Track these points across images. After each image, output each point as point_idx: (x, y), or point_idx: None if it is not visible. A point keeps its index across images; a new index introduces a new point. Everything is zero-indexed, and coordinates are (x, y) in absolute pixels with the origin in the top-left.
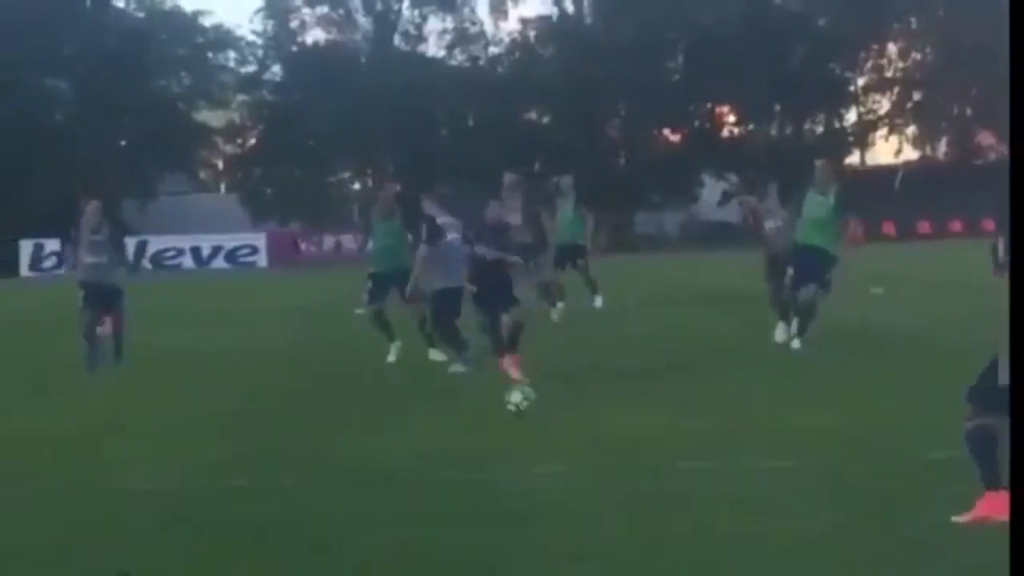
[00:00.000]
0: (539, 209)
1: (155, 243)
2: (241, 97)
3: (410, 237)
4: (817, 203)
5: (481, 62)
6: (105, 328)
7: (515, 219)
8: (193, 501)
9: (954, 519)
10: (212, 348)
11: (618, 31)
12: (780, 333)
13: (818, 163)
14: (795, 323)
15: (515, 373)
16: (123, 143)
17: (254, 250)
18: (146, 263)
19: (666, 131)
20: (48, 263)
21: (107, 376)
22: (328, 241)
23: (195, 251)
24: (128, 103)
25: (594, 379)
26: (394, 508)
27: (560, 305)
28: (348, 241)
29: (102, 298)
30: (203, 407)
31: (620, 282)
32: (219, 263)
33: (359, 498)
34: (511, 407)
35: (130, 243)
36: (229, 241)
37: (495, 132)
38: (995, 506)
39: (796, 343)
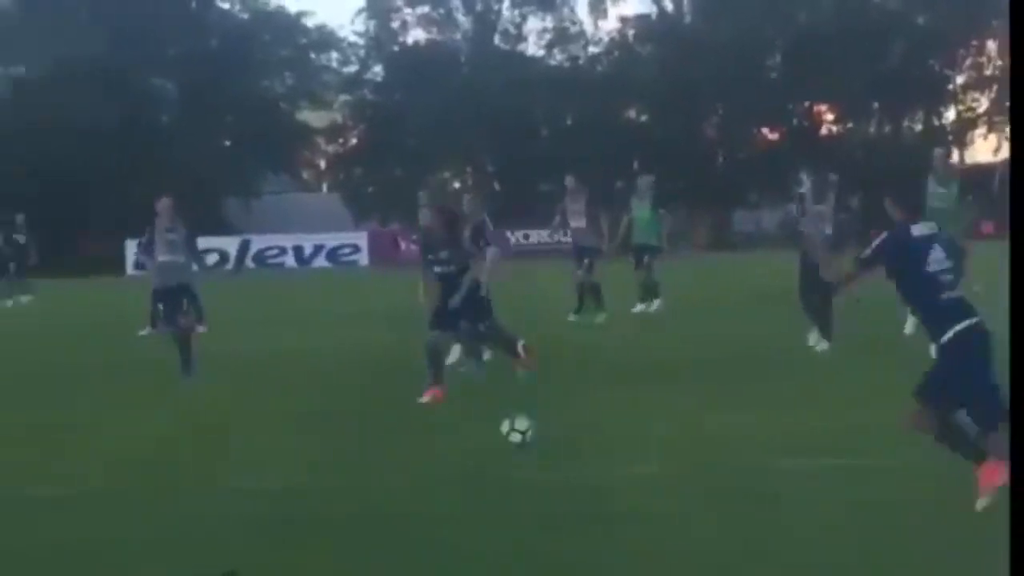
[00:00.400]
0: (599, 211)
1: (257, 242)
2: (343, 97)
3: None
4: (938, 195)
5: (580, 61)
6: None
7: (579, 221)
8: (297, 501)
9: (979, 506)
10: (314, 347)
11: (717, 30)
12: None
13: (937, 152)
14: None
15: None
16: (227, 143)
17: (356, 249)
18: (249, 262)
19: (764, 129)
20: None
21: (211, 375)
22: None
23: (297, 250)
24: (232, 103)
25: (687, 378)
26: (492, 509)
27: (657, 302)
28: None
29: (176, 300)
30: (306, 406)
31: (716, 280)
32: (321, 262)
33: (459, 499)
34: (516, 436)
35: (233, 243)
36: (331, 240)
37: (593, 131)
38: (994, 474)
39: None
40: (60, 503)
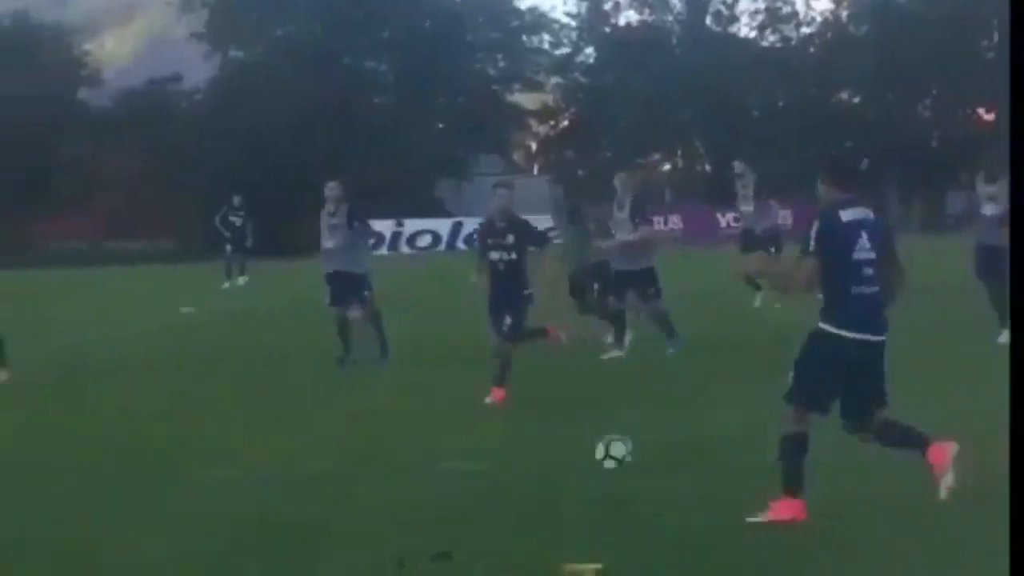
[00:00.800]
0: (768, 195)
1: (469, 225)
2: (554, 79)
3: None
4: None
5: (792, 42)
6: (356, 317)
7: (748, 205)
8: (504, 480)
9: (749, 519)
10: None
11: (931, 8)
12: None
13: None
14: None
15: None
16: (440, 125)
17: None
18: (460, 244)
19: (980, 110)
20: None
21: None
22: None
23: None
24: (445, 86)
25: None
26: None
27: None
28: (658, 223)
29: (347, 289)
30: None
31: (927, 263)
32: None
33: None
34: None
35: (445, 225)
36: (542, 223)
37: (805, 113)
38: (942, 452)
39: None
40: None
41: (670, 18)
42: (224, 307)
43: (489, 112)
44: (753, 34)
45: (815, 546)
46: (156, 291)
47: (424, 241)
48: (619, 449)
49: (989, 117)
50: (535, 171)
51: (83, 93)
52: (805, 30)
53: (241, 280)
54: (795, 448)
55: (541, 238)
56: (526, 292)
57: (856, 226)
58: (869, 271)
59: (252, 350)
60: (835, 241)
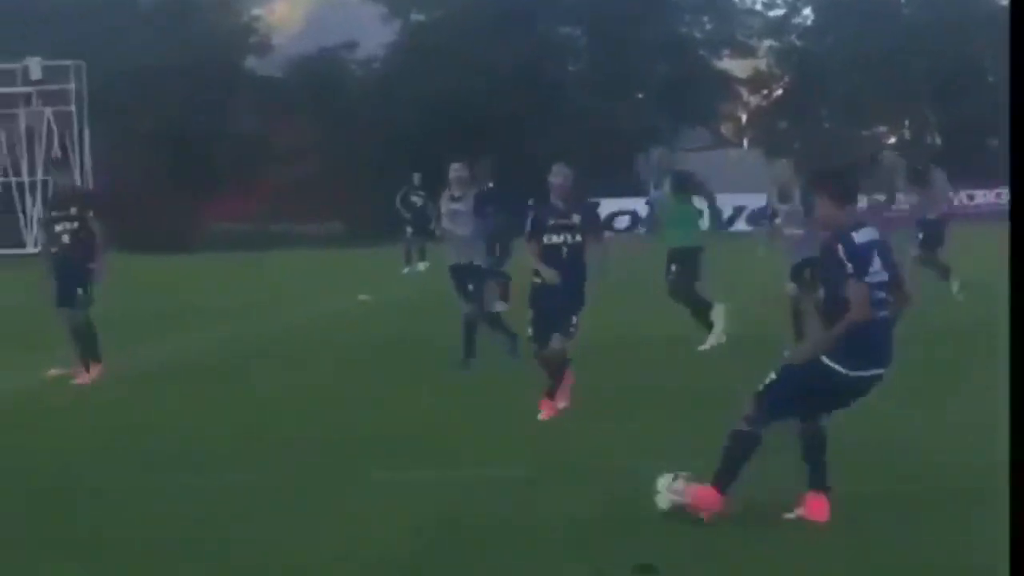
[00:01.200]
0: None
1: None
2: (768, 43)
3: None
4: None
5: None
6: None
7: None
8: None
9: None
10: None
11: None
12: None
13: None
14: None
15: None
16: (639, 95)
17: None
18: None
19: None
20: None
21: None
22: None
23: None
24: (646, 51)
25: None
26: None
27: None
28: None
29: (470, 281)
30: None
31: None
32: (741, 226)
33: None
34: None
35: (644, 204)
36: (753, 201)
37: None
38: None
39: None
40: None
41: None
42: (403, 295)
43: (695, 80)
44: None
45: (817, 546)
46: (328, 277)
47: (622, 223)
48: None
49: None
50: (745, 144)
51: (251, 62)
52: None
53: (422, 266)
54: (744, 448)
55: (600, 228)
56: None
57: (869, 248)
58: (881, 295)
59: (433, 340)
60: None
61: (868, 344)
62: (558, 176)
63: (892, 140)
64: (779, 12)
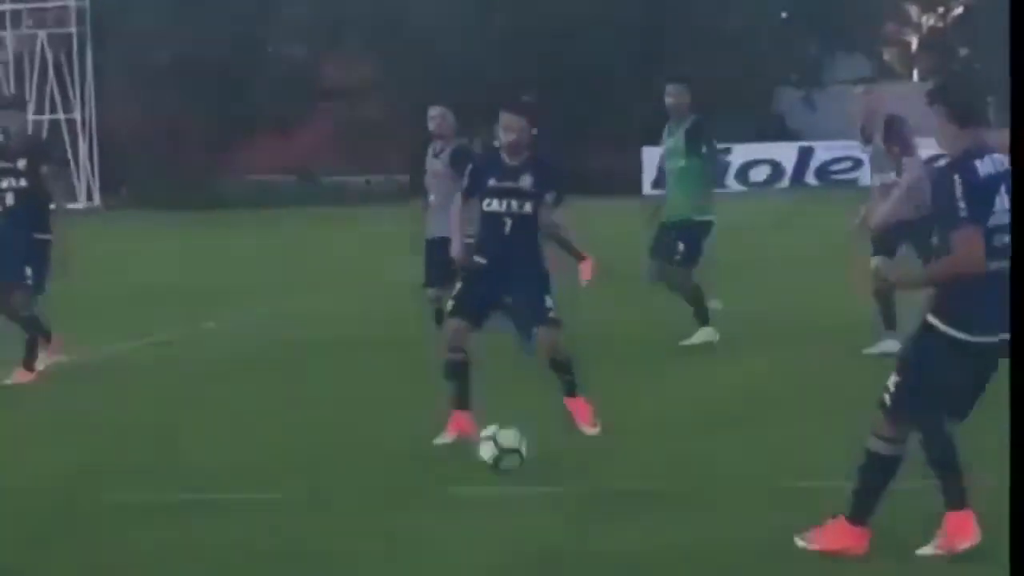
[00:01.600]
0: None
1: (821, 152)
2: None
3: None
4: None
5: None
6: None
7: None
8: None
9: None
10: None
11: None
12: None
13: None
14: None
15: None
16: (783, 15)
17: None
18: (810, 178)
19: None
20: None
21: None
22: None
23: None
24: None
25: None
26: None
27: None
28: None
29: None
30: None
31: None
32: None
33: None
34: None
35: (788, 151)
36: (925, 148)
37: None
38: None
39: None
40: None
41: None
42: None
43: None
44: None
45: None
46: (389, 243)
47: (760, 174)
48: (509, 438)
49: None
50: (915, 76)
51: None
52: None
53: None
54: (884, 473)
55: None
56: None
57: (994, 182)
58: (1006, 239)
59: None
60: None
61: (986, 301)
62: (506, 126)
63: None
64: None
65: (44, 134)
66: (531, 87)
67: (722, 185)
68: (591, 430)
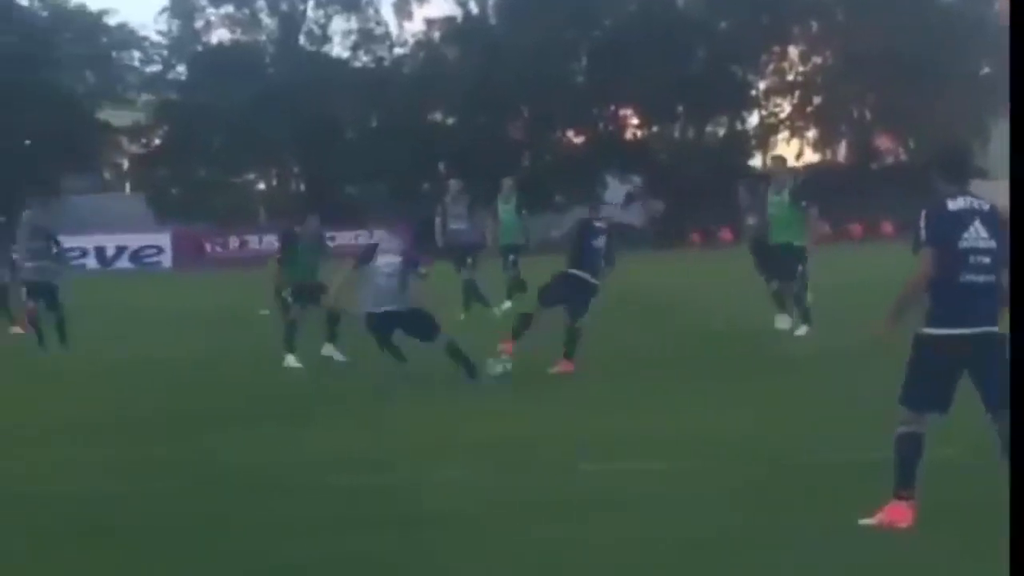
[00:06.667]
0: (484, 213)
1: (62, 244)
2: (146, 97)
3: None
4: (774, 203)
5: (386, 63)
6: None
7: (460, 223)
8: (89, 505)
9: (861, 522)
10: (112, 349)
11: (522, 32)
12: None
13: (773, 158)
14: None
15: None
16: (27, 142)
17: (159, 250)
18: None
19: (569, 133)
20: None
21: (11, 378)
22: (233, 242)
23: (99, 251)
24: (32, 102)
25: (493, 385)
26: (292, 512)
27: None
28: (253, 242)
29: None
30: (101, 410)
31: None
32: (123, 263)
33: (255, 504)
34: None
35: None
36: (134, 241)
37: (399, 133)
38: (901, 514)
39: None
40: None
41: (263, 37)
42: None
43: (78, 129)
44: (347, 54)
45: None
46: None
47: None
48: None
49: (579, 140)
50: (127, 189)
51: None
52: (398, 51)
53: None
54: (908, 449)
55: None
56: None
57: (969, 215)
58: (983, 260)
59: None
60: (944, 231)
61: (956, 304)
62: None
63: (262, 187)
64: (155, 68)
65: None
66: None
67: None
68: None
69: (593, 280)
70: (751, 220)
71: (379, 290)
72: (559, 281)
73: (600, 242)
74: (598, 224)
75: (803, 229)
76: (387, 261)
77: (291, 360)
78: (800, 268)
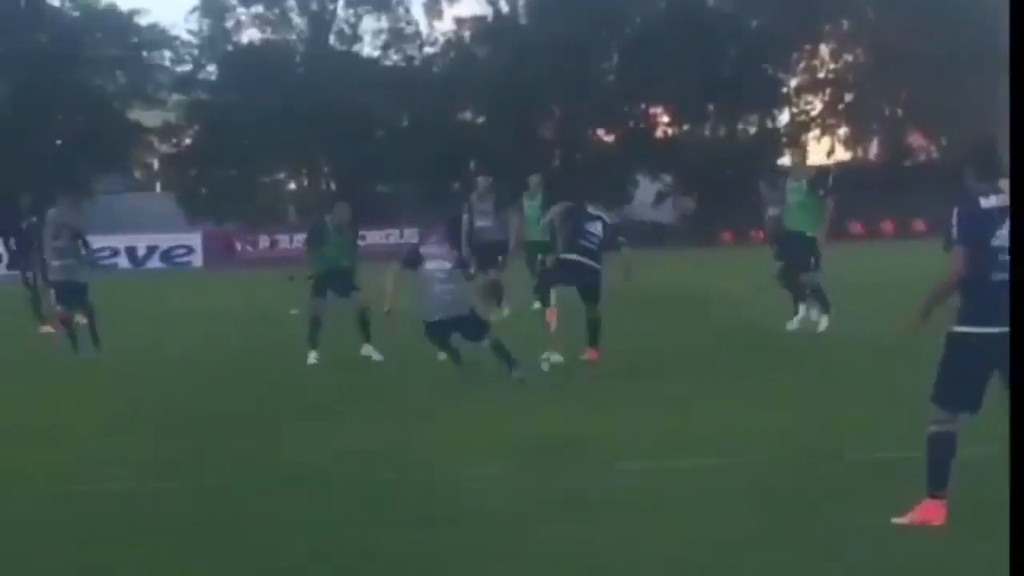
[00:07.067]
0: (509, 210)
1: (91, 243)
2: (176, 96)
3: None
4: (793, 189)
5: (416, 62)
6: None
7: (487, 220)
8: (129, 502)
9: (893, 520)
10: (146, 349)
11: (552, 31)
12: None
13: (792, 151)
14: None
15: None
16: (58, 142)
17: (189, 250)
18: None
19: (600, 131)
20: None
21: (45, 377)
22: (263, 241)
23: (130, 251)
24: (63, 102)
25: (534, 380)
26: (330, 509)
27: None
28: (284, 241)
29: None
30: (138, 408)
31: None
32: (154, 263)
33: (294, 499)
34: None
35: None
36: (164, 241)
37: (429, 132)
38: (934, 512)
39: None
40: None
41: (293, 36)
42: None
43: (108, 129)
44: (377, 53)
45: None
46: None
47: None
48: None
49: (609, 139)
50: (158, 189)
51: None
52: (428, 50)
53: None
54: (940, 447)
55: None
56: None
57: (999, 213)
58: (1004, 258)
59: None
60: (976, 229)
61: (987, 302)
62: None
63: (292, 186)
64: (186, 68)
65: None
66: None
67: None
68: None
69: (591, 263)
70: (772, 211)
71: (437, 297)
72: (555, 267)
73: (594, 227)
74: (591, 210)
75: (817, 220)
76: (438, 266)
77: (312, 357)
78: (812, 260)
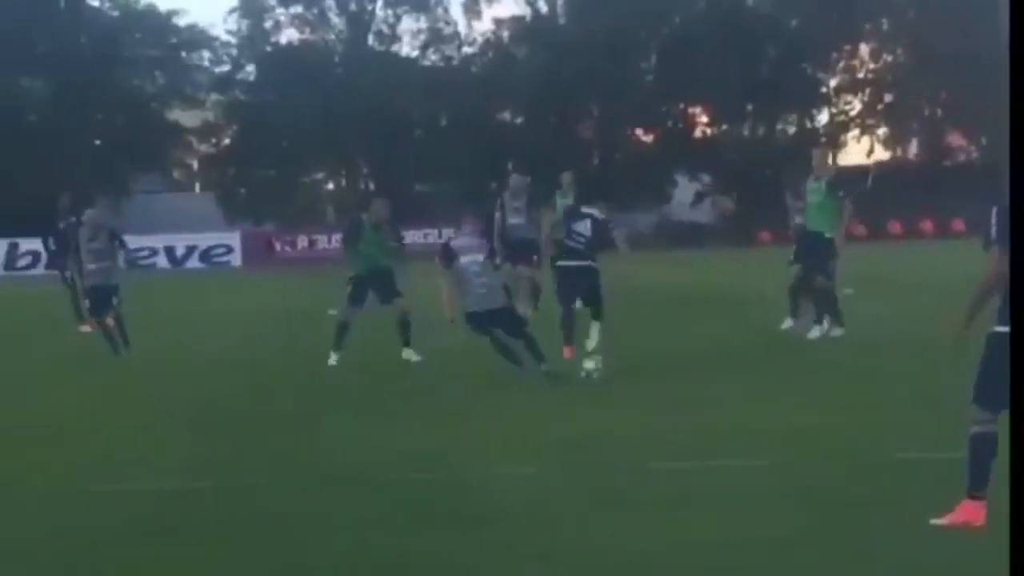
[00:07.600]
0: (540, 209)
1: (129, 243)
2: (215, 97)
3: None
4: (812, 189)
5: (454, 62)
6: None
7: (519, 218)
8: (164, 503)
9: (932, 521)
10: (184, 348)
11: (591, 31)
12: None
13: (815, 151)
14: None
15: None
16: (97, 142)
17: (228, 250)
18: (120, 263)
19: (639, 131)
20: (23, 262)
21: (83, 376)
22: (302, 241)
23: (169, 251)
24: (102, 102)
25: (566, 380)
26: (366, 509)
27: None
28: (322, 241)
29: (104, 302)
30: (175, 408)
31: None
32: (193, 263)
33: (330, 499)
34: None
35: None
36: (203, 241)
37: (468, 132)
38: (974, 513)
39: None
40: None
41: (332, 36)
42: None
43: (147, 129)
44: (415, 53)
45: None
46: None
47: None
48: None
49: (648, 139)
50: (197, 189)
51: None
52: (467, 50)
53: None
54: (982, 448)
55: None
56: None
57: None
58: None
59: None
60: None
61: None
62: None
63: (331, 186)
64: (225, 68)
65: None
66: None
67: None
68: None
69: (580, 263)
70: (798, 220)
71: (475, 289)
72: (556, 279)
73: (581, 226)
74: (583, 209)
75: (837, 221)
76: (472, 259)
77: (333, 359)
78: (830, 264)
